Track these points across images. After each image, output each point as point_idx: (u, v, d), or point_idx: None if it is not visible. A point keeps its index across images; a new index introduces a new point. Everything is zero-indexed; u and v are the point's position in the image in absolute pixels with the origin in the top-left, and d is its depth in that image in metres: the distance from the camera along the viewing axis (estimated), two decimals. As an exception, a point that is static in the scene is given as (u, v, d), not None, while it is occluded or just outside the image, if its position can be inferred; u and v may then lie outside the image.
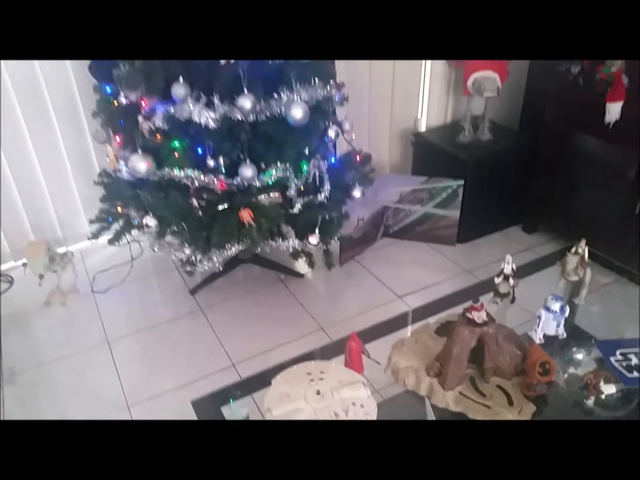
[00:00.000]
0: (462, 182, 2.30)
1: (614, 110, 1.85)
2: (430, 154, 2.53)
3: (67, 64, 2.05)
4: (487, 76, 2.15)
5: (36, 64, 2.01)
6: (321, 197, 1.88)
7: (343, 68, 2.33)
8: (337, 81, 1.86)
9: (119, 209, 1.90)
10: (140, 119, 1.58)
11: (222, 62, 1.48)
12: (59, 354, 1.87)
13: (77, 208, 2.35)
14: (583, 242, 1.36)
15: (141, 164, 1.58)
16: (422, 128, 2.73)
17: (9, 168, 2.14)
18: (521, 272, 1.44)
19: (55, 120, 2.14)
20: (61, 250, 2.16)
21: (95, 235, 1.94)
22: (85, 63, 1.98)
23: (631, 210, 1.95)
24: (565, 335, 1.31)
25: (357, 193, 1.99)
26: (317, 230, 1.84)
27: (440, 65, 2.52)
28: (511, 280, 1.38)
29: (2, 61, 1.94)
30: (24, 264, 2.04)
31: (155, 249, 1.88)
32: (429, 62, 2.54)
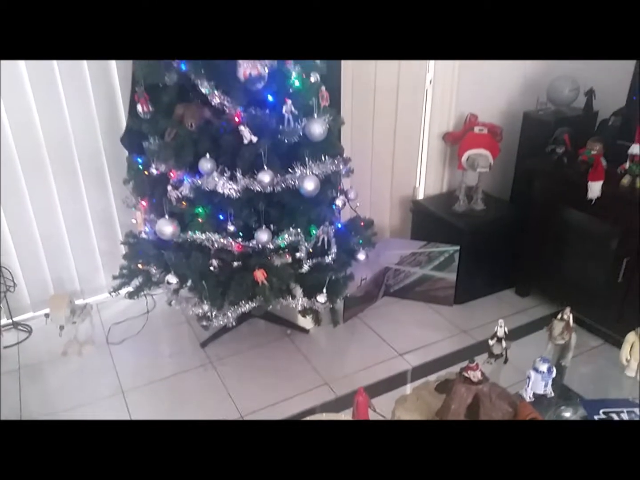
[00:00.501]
0: (457, 247, 2.47)
1: (595, 189, 2.04)
2: (428, 221, 2.72)
3: (99, 131, 2.25)
4: (480, 153, 2.37)
5: (70, 127, 2.20)
6: (328, 259, 2.04)
7: (349, 141, 2.55)
8: (344, 156, 2.06)
9: (140, 266, 2.05)
10: (169, 187, 1.75)
11: (246, 141, 1.68)
12: (74, 403, 1.96)
13: (96, 263, 2.50)
14: (568, 310, 1.50)
15: (167, 228, 1.75)
16: (421, 196, 2.92)
17: (35, 222, 2.30)
18: (513, 335, 1.57)
19: (82, 182, 2.32)
20: (79, 302, 2.29)
21: (117, 290, 2.08)
22: (115, 132, 2.20)
23: (614, 279, 2.11)
24: (553, 394, 1.42)
25: (361, 256, 2.15)
26: (324, 290, 1.99)
27: (436, 140, 2.75)
28: (504, 343, 1.51)
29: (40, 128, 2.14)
30: (46, 315, 2.15)
31: (173, 304, 2.02)
32: (426, 137, 2.78)
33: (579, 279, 2.30)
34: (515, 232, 2.53)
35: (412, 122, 2.70)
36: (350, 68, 2.44)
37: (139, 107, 1.76)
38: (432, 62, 2.61)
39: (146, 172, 1.84)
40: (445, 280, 2.57)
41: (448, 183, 2.92)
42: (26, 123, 2.11)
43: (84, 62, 2.11)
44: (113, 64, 2.14)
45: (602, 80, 2.47)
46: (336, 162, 1.93)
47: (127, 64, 2.02)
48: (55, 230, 2.36)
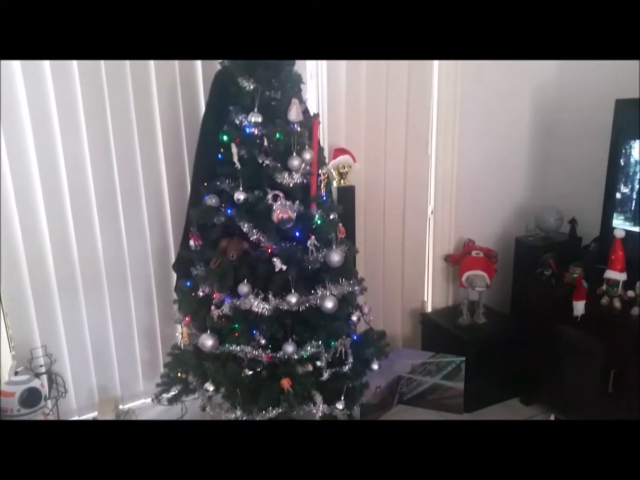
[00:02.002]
0: (463, 358, 2.71)
1: (578, 307, 2.32)
2: (435, 332, 2.99)
3: (150, 258, 2.65)
4: (477, 274, 2.71)
5: (126, 253, 2.60)
6: (345, 368, 2.29)
7: (363, 263, 2.93)
8: (358, 277, 2.41)
9: (180, 374, 2.33)
10: (212, 307, 2.09)
11: (277, 269, 2.04)
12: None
13: (137, 371, 2.78)
14: (552, 416, 1.73)
15: (209, 341, 2.06)
16: (429, 309, 3.23)
17: (88, 333, 2.62)
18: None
19: (132, 299, 2.69)
20: (121, 407, 2.55)
21: (158, 396, 2.34)
22: (163, 260, 2.60)
23: (604, 390, 2.32)
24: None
25: (375, 365, 2.40)
26: (342, 397, 2.23)
27: (440, 261, 3.12)
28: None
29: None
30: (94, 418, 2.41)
31: (207, 409, 2.27)
32: (431, 258, 3.15)
33: (574, 389, 2.51)
34: (516, 345, 2.77)
35: (418, 245, 3.09)
36: (362, 203, 2.88)
37: (191, 242, 2.17)
38: (432, 193, 3.06)
39: (193, 294, 2.19)
40: (454, 389, 2.78)
41: (453, 297, 3.23)
42: (91, 247, 2.50)
43: (143, 201, 2.57)
44: (168, 206, 2.60)
45: (586, 209, 2.86)
46: (352, 283, 2.27)
47: (180, 209, 2.45)
48: (104, 341, 2.68)
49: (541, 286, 2.60)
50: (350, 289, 2.25)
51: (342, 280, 2.20)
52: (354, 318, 2.37)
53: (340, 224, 2.26)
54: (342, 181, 2.75)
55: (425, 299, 3.25)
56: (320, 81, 2.77)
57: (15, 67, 2.17)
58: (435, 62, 2.89)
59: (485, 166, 3.14)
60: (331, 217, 2.25)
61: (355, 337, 2.43)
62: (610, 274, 2.28)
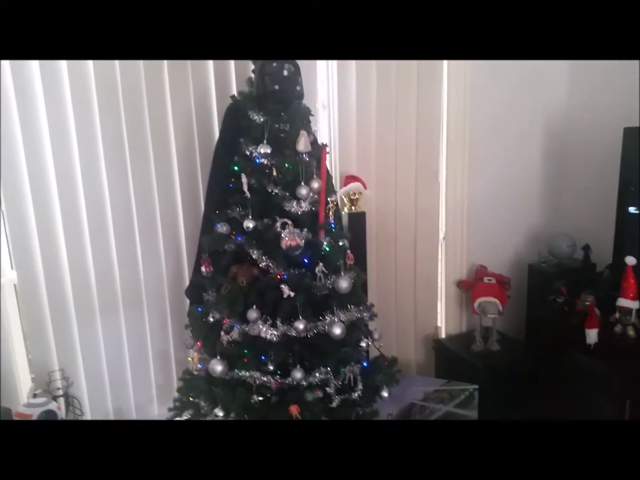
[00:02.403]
0: (476, 386, 2.68)
1: (591, 335, 2.29)
2: (448, 359, 2.97)
3: (165, 283, 2.72)
4: (489, 301, 2.69)
5: (142, 278, 2.67)
6: (355, 395, 2.30)
7: (374, 288, 2.94)
8: (368, 303, 2.42)
9: (191, 399, 2.37)
10: (222, 332, 2.14)
11: (285, 295, 2.08)
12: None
13: (151, 395, 2.82)
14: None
15: (218, 367, 2.10)
16: (442, 335, 3.21)
17: (104, 357, 2.68)
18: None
19: (147, 324, 2.75)
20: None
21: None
22: (178, 286, 2.66)
23: (621, 416, 2.26)
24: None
25: (384, 393, 2.39)
26: (350, 425, 2.23)
27: (452, 286, 3.11)
28: None
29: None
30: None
31: (217, 435, 2.28)
32: (443, 282, 3.15)
33: (591, 417, 2.45)
34: (530, 372, 2.73)
35: (429, 271, 3.09)
36: (374, 229, 2.92)
37: (203, 268, 2.23)
38: (443, 220, 3.08)
39: (204, 320, 2.24)
40: (468, 417, 2.74)
41: (467, 323, 3.21)
42: (107, 273, 2.57)
43: (159, 226, 2.65)
44: (183, 234, 2.67)
45: (600, 235, 2.84)
46: (361, 309, 2.29)
47: (194, 235, 2.52)
48: (120, 365, 2.73)
49: (554, 313, 2.58)
50: (359, 315, 2.27)
51: (350, 306, 2.22)
52: (363, 344, 2.38)
53: (349, 251, 2.29)
54: (353, 208, 2.79)
55: (439, 324, 3.23)
56: (331, 111, 2.84)
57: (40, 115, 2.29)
58: (444, 89, 2.94)
59: (497, 192, 3.15)
60: (340, 243, 2.28)
61: (364, 364, 2.44)
62: (623, 302, 2.25)
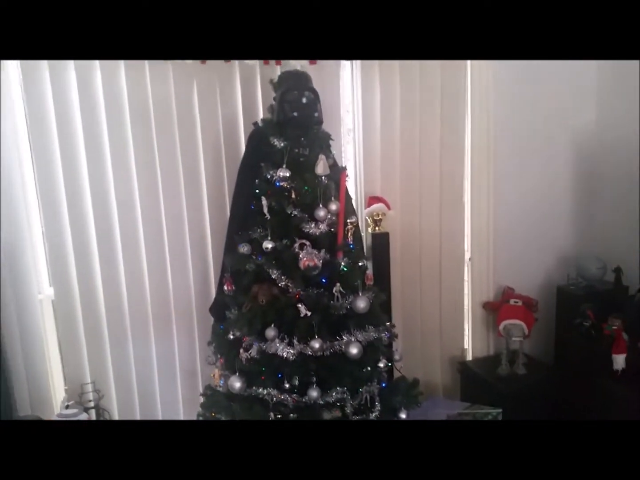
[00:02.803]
0: (500, 410, 2.63)
1: (618, 361, 2.22)
2: (473, 381, 2.92)
3: (194, 301, 2.82)
4: (514, 324, 2.65)
5: (172, 297, 2.78)
6: (372, 416, 2.30)
7: (399, 308, 2.94)
8: (387, 324, 2.42)
9: (212, 414, 2.43)
10: (241, 350, 2.20)
11: (302, 314, 2.12)
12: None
13: (178, 409, 2.91)
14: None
15: (237, 383, 2.16)
16: (469, 357, 3.16)
17: (134, 371, 2.79)
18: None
19: (176, 340, 2.84)
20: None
21: (192, 435, 2.45)
22: (204, 304, 2.75)
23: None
24: None
25: (402, 415, 2.38)
26: (367, 446, 2.23)
27: (479, 308, 3.08)
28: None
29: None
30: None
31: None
32: (469, 303, 3.11)
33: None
34: (556, 398, 2.65)
35: (455, 292, 3.07)
36: (398, 249, 2.93)
37: (225, 287, 2.31)
38: (468, 241, 3.06)
39: (225, 337, 2.31)
40: (492, 442, 2.68)
41: (494, 346, 3.15)
42: (139, 290, 2.69)
43: (188, 246, 2.76)
44: (210, 253, 2.77)
45: (632, 257, 2.76)
46: (380, 329, 2.30)
47: (220, 255, 2.61)
48: (149, 379, 2.83)
49: (581, 337, 2.51)
50: (376, 335, 2.28)
51: (368, 326, 2.24)
52: (381, 365, 2.38)
53: (369, 271, 2.32)
54: (377, 228, 2.82)
55: (466, 346, 3.19)
56: (357, 134, 2.90)
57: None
58: (469, 111, 2.95)
59: (524, 213, 3.10)
60: (359, 264, 2.31)
61: (383, 384, 2.44)
62: (652, 327, 2.17)
